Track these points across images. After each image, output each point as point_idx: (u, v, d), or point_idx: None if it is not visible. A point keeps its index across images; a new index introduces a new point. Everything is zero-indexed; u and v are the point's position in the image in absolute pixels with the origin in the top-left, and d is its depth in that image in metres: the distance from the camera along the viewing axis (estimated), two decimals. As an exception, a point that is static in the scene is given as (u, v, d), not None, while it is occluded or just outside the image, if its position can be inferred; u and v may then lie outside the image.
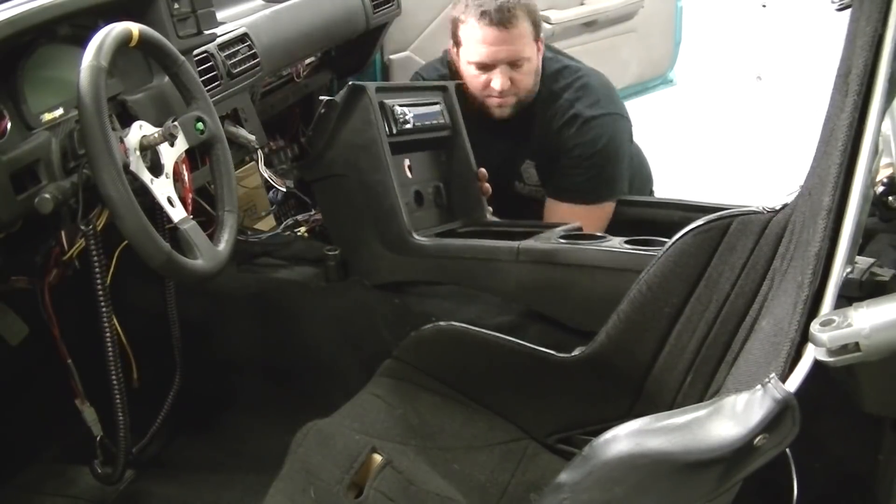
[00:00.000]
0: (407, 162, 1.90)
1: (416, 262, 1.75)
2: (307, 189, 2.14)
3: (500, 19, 2.03)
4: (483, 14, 2.03)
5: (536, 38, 2.10)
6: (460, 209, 1.99)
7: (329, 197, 1.87)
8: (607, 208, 2.14)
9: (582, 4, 2.93)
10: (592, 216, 2.10)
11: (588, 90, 2.13)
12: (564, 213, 2.11)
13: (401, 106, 1.85)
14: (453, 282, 1.74)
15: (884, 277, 1.26)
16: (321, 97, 1.86)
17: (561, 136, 2.11)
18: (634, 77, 3.13)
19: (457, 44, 2.11)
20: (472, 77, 2.08)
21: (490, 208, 2.02)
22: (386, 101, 1.82)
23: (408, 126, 1.84)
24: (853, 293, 1.28)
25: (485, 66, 2.06)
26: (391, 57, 2.51)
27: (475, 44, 2.04)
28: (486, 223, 1.98)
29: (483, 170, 2.00)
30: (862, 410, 1.04)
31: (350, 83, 1.79)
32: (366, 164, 1.77)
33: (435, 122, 1.93)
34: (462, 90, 2.09)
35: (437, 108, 1.96)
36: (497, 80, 2.05)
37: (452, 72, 2.18)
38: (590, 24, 2.92)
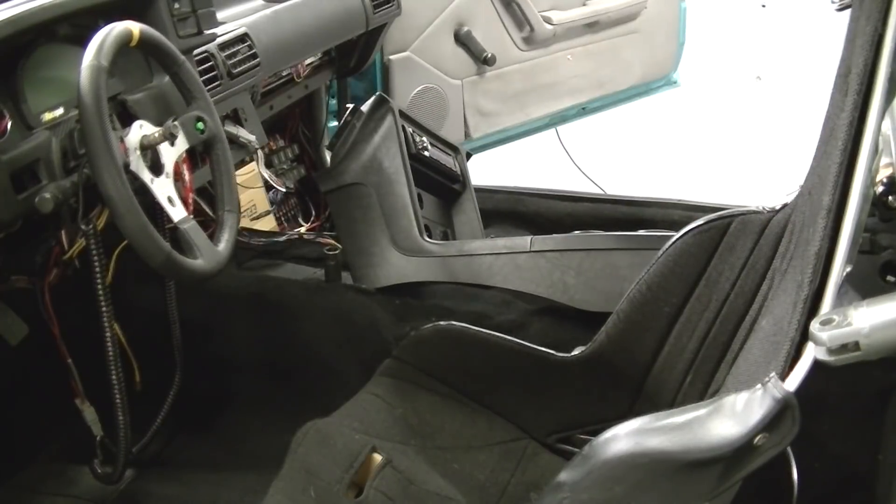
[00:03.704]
0: (418, 194, 1.92)
1: (430, 262, 1.76)
2: (310, 194, 2.14)
3: None
4: None
5: None
6: None
7: (344, 206, 1.88)
8: None
9: (584, 5, 2.92)
10: None
11: None
12: None
13: (419, 136, 1.88)
14: (465, 281, 1.75)
15: None
16: (347, 105, 1.87)
17: None
18: (637, 78, 3.11)
19: None
20: None
21: None
22: (406, 125, 1.85)
23: (425, 153, 1.86)
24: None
25: None
26: (391, 57, 2.51)
27: None
28: None
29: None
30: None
31: (378, 94, 1.81)
32: (385, 171, 1.79)
33: (448, 167, 1.97)
34: None
35: (450, 159, 2.01)
36: None
37: None
38: (592, 25, 2.91)
